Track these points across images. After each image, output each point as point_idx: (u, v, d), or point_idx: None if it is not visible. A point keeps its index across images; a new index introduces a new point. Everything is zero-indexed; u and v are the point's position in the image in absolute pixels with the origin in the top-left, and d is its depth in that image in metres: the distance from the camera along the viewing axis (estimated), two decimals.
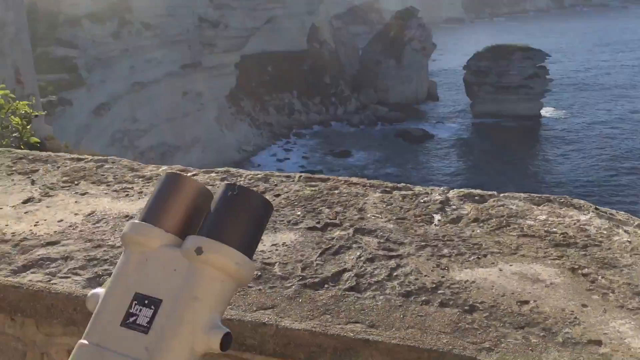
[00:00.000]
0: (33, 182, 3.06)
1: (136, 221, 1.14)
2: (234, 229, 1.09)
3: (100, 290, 1.13)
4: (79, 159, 3.31)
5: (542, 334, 1.83)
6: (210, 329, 1.03)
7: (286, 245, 2.36)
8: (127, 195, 2.87)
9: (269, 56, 77.37)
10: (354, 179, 2.97)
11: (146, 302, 1.04)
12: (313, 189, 2.86)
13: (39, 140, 5.51)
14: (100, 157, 3.30)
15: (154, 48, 57.32)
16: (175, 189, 1.15)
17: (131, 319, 1.04)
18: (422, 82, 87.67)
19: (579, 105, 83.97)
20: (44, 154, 3.39)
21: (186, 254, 1.07)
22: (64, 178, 3.08)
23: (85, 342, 1.06)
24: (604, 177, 56.77)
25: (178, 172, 1.26)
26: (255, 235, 1.13)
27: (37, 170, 3.19)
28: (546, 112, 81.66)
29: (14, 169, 3.23)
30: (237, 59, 67.26)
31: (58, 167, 3.21)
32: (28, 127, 5.51)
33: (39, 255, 2.38)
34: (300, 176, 3.00)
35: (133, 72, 53.82)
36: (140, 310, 1.04)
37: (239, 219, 1.11)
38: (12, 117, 5.49)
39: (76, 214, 2.70)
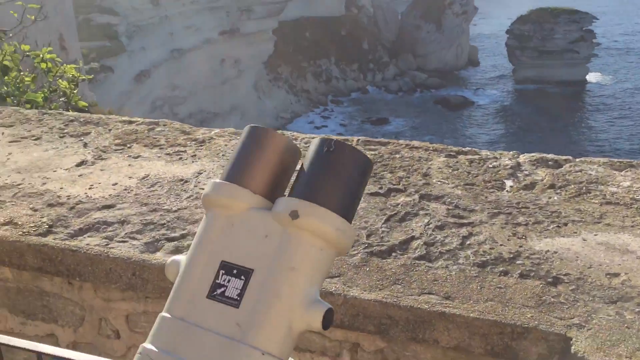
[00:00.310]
0: (85, 145, 3.00)
1: (219, 181, 1.02)
2: (333, 190, 0.96)
3: (180, 258, 1.00)
4: (130, 122, 3.24)
5: (637, 309, 1.68)
6: (309, 304, 0.90)
7: None
8: (180, 158, 2.79)
9: (307, 22, 76.65)
10: (416, 143, 2.82)
11: (235, 271, 0.92)
12: (373, 152, 2.73)
13: (87, 104, 5.48)
14: (151, 120, 3.22)
15: (193, 14, 57.37)
16: (261, 145, 1.02)
17: (219, 291, 0.92)
18: (463, 47, 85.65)
19: (627, 71, 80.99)
20: (95, 116, 3.33)
21: (279, 218, 0.94)
22: (116, 141, 3.02)
23: (168, 315, 0.94)
24: None
25: (262, 126, 1.11)
26: (355, 196, 0.99)
27: (89, 133, 3.13)
28: (592, 77, 78.98)
29: (65, 131, 3.18)
30: (275, 25, 66.79)
31: (110, 130, 3.15)
32: (75, 90, 5.49)
33: (95, 218, 2.31)
34: (359, 139, 2.86)
35: (172, 39, 54.06)
36: (229, 281, 0.92)
37: (337, 179, 0.97)
38: (60, 80, 5.46)
39: (130, 178, 2.63)
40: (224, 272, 0.93)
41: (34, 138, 3.13)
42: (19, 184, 2.61)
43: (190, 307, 0.93)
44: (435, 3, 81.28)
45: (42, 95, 5.36)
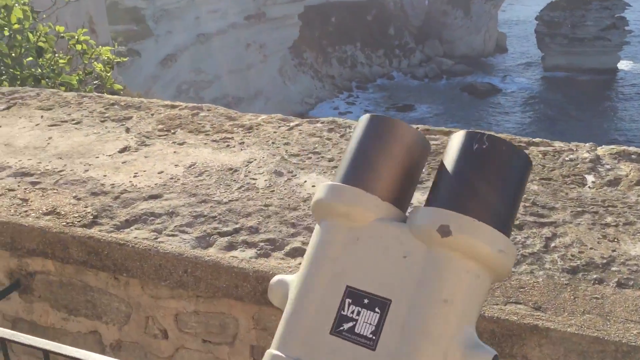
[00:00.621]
0: (128, 130, 2.85)
1: (337, 183, 0.80)
2: (489, 199, 0.75)
3: (288, 278, 0.80)
4: (173, 106, 3.08)
5: None
6: (470, 348, 0.70)
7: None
8: (228, 146, 2.62)
9: (333, 7, 76.08)
10: None
11: (366, 301, 0.72)
12: (434, 143, 2.53)
13: (122, 87, 5.36)
14: (194, 105, 3.06)
15: None
16: (386, 139, 0.80)
17: (346, 326, 0.72)
18: (491, 33, 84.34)
19: None
20: (136, 100, 3.18)
21: (422, 233, 0.74)
22: (160, 126, 2.86)
23: (280, 354, 0.74)
24: None
25: (384, 115, 0.83)
26: (515, 206, 0.78)
27: (131, 118, 2.99)
28: (624, 65, 77.17)
29: (106, 115, 3.04)
30: (301, 10, 66.39)
31: (152, 115, 2.99)
32: (109, 74, 5.37)
33: (142, 209, 2.16)
34: (417, 128, 2.67)
35: (198, 24, 54.06)
36: (359, 313, 0.72)
37: (494, 184, 0.76)
38: (95, 63, 5.34)
39: (176, 165, 2.48)
40: (350, 301, 0.74)
41: (74, 122, 2.99)
42: (61, 171, 2.48)
43: (309, 346, 0.73)
44: None
45: (77, 77, 5.25)
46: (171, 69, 48.37)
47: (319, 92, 73.83)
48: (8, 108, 3.22)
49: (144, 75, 42.83)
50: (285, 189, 2.20)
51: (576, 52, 74.30)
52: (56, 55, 5.29)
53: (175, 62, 49.83)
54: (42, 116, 3.09)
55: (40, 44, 5.02)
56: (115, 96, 3.36)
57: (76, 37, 5.30)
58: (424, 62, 79.95)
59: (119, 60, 5.42)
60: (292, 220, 2.01)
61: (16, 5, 4.87)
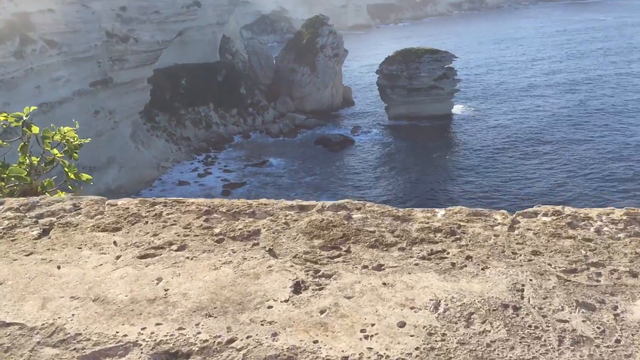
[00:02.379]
0: (272, 252, 2.02)
1: None
2: None
3: None
4: (304, 207, 2.28)
5: None
6: None
7: None
8: (453, 265, 1.90)
9: (182, 69, 75.31)
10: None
11: None
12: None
13: (90, 177, 4.26)
14: (335, 203, 2.29)
15: (61, 66, 53.97)
16: None
17: None
18: (337, 88, 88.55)
19: (484, 101, 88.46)
20: (241, 203, 2.33)
21: None
22: (316, 241, 2.08)
23: None
24: (513, 166, 59.13)
25: None
26: None
27: (259, 232, 2.15)
28: (457, 109, 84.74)
29: (218, 231, 2.17)
30: (150, 74, 64.67)
31: (286, 223, 2.18)
32: (71, 161, 4.25)
33: None
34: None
35: (39, 93, 50.30)
36: None
37: None
38: (50, 148, 4.21)
39: (412, 309, 1.72)
40: None
41: (174, 247, 2.10)
42: (231, 342, 1.60)
43: None
44: (307, 46, 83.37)
45: (26, 167, 4.12)
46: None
47: (175, 154, 71.49)
48: (46, 233, 2.22)
49: None
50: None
51: (415, 101, 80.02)
52: None
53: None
54: (114, 242, 2.14)
55: None
56: (202, 199, 2.46)
57: (24, 117, 4.17)
58: (278, 119, 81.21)
59: (82, 142, 4.33)
60: None
61: None
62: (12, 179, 4.02)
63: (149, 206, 2.35)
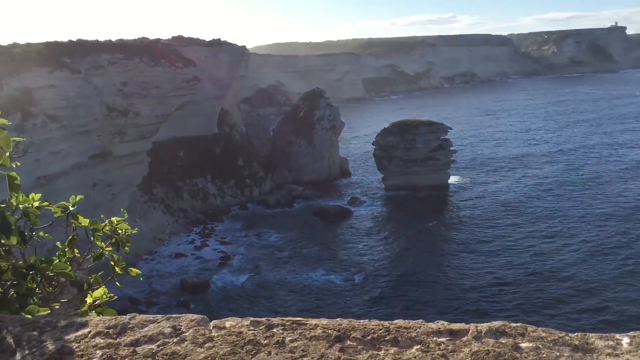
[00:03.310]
0: None
1: None
2: None
3: None
4: (454, 332, 1.91)
5: None
6: None
7: None
8: None
9: (180, 142, 76.00)
10: None
11: None
12: None
13: (138, 272, 3.87)
14: (493, 327, 1.92)
15: (60, 139, 54.25)
16: None
17: None
18: (334, 159, 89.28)
19: (478, 171, 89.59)
20: (376, 328, 1.95)
21: None
22: None
23: None
24: (513, 232, 58.90)
25: None
26: None
27: None
28: (453, 180, 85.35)
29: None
30: (149, 147, 65.07)
31: (445, 358, 1.80)
32: (117, 254, 3.88)
33: None
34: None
35: (38, 166, 50.22)
36: None
37: None
38: (98, 241, 3.84)
39: None
40: None
41: None
42: None
43: None
44: (304, 119, 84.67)
45: (67, 260, 3.74)
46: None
47: (172, 227, 70.86)
48: None
49: None
50: None
51: (412, 172, 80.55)
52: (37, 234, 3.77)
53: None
54: None
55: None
56: (329, 321, 2.10)
57: (70, 207, 3.83)
58: (275, 190, 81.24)
59: (132, 232, 3.96)
60: None
61: None
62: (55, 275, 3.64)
63: (264, 330, 1.99)
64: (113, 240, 3.90)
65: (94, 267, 3.82)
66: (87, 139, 57.58)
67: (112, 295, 3.97)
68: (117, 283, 3.88)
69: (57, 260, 3.70)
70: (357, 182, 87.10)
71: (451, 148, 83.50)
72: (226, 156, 79.38)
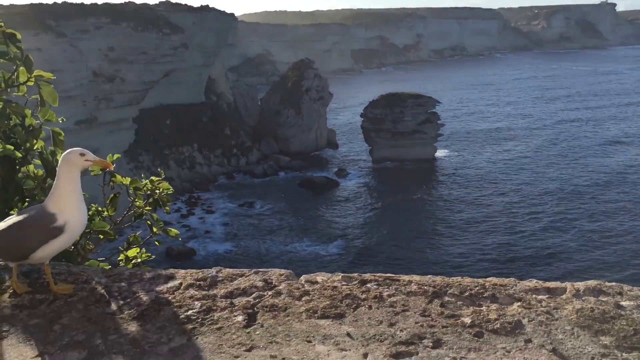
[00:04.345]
0: (565, 357, 1.65)
1: None
2: None
3: None
4: (552, 290, 1.91)
5: None
6: None
7: None
8: None
9: (167, 109, 75.02)
10: None
11: None
12: None
13: (177, 232, 3.84)
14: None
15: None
16: None
17: None
18: (322, 130, 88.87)
19: (464, 144, 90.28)
20: (472, 285, 1.96)
21: None
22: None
23: None
24: (498, 209, 59.58)
25: None
26: None
27: (521, 326, 1.78)
28: (441, 154, 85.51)
29: (472, 322, 1.79)
30: (136, 113, 64.27)
31: (550, 315, 1.81)
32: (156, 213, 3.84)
33: None
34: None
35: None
36: None
37: None
38: (137, 200, 3.77)
39: None
40: None
41: (430, 344, 1.71)
42: None
43: None
44: (292, 89, 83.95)
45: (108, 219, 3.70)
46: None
47: None
48: (253, 319, 1.82)
49: None
50: None
51: (399, 145, 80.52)
52: None
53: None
54: (348, 334, 1.76)
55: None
56: (422, 278, 2.10)
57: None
58: (262, 160, 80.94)
59: (170, 191, 3.90)
60: None
61: None
62: (101, 236, 3.60)
63: (359, 285, 1.98)
64: (151, 199, 3.84)
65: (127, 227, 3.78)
66: (72, 105, 56.74)
67: (150, 254, 3.97)
68: (157, 242, 3.85)
69: (98, 220, 3.66)
70: (344, 153, 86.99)
71: (439, 122, 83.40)
72: (213, 125, 78.71)
